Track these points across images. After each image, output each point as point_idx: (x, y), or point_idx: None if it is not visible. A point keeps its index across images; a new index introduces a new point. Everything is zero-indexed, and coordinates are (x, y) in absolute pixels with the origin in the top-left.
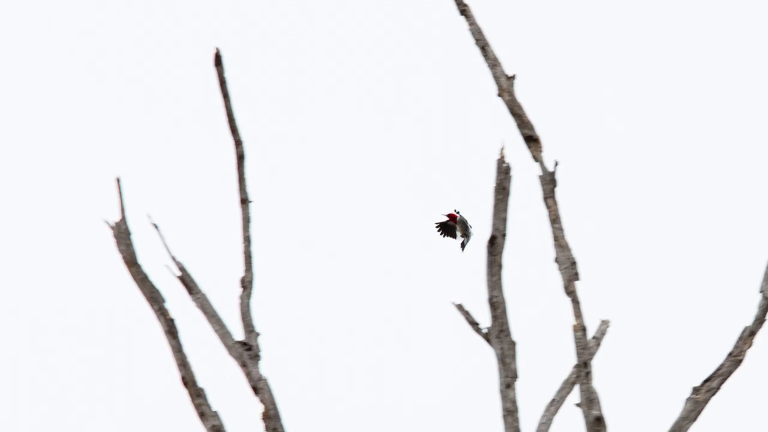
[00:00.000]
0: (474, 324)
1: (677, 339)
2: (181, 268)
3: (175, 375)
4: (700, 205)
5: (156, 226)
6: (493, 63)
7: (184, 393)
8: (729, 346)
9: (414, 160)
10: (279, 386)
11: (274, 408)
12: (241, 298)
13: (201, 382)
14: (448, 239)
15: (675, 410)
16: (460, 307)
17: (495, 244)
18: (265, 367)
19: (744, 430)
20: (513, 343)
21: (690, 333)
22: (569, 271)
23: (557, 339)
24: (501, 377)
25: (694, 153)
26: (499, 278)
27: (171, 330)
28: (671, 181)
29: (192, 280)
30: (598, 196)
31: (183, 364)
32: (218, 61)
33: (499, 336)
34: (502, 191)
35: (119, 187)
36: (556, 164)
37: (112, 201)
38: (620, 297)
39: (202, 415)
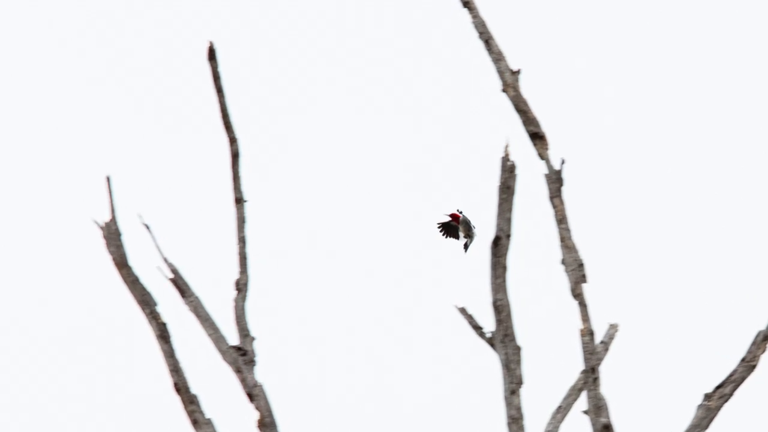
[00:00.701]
0: (477, 328)
1: (688, 344)
2: (174, 270)
3: (168, 381)
4: (712, 205)
5: (147, 227)
6: (497, 57)
7: (176, 399)
8: (742, 351)
9: (415, 158)
10: (275, 393)
11: (270, 415)
12: (236, 301)
13: (194, 389)
14: (451, 240)
15: (686, 418)
16: (462, 311)
17: (499, 245)
18: (260, 373)
19: None
20: (518, 348)
21: (702, 337)
22: (576, 273)
23: (564, 344)
24: (505, 383)
25: (707, 153)
26: (504, 280)
27: (163, 334)
28: (682, 181)
29: (185, 283)
30: (606, 196)
31: (175, 369)
32: (212, 55)
33: (504, 340)
34: (506, 190)
35: (109, 187)
36: (563, 162)
37: (101, 200)
38: (629, 300)
39: (195, 423)
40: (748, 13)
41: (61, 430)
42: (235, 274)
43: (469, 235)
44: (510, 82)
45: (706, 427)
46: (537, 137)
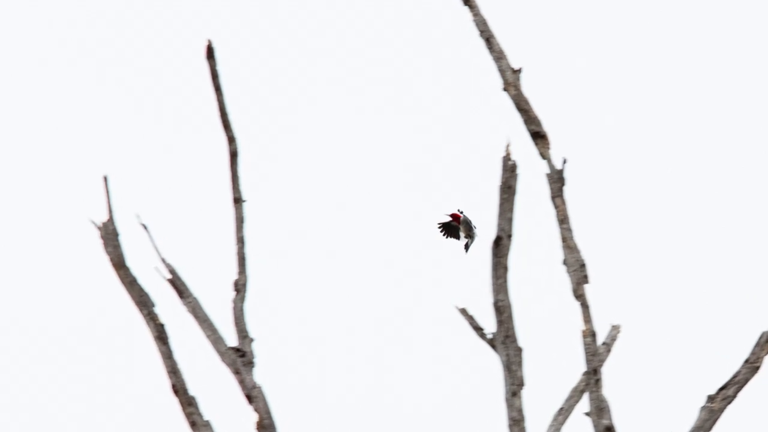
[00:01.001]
0: (478, 329)
1: (691, 345)
2: (172, 271)
3: (166, 383)
4: (715, 205)
5: (145, 227)
6: (498, 56)
7: (174, 401)
8: (745, 353)
9: (415, 157)
10: (274, 394)
11: (269, 417)
12: (235, 302)
13: (192, 390)
14: (452, 240)
15: (689, 419)
16: (463, 312)
17: (500, 246)
18: (259, 375)
19: None
20: (519, 350)
21: (705, 339)
22: (578, 273)
23: (565, 345)
24: (507, 385)
25: (709, 153)
26: (505, 281)
27: (161, 335)
28: (686, 181)
29: (183, 284)
30: (609, 195)
31: (173, 371)
32: (210, 53)
33: (505, 342)
34: (507, 190)
35: (106, 186)
36: (565, 162)
37: (99, 200)
38: (631, 301)
39: (194, 425)
40: (748, 13)
41: (60, 430)
42: (234, 275)
43: (470, 235)
44: (511, 80)
45: (709, 429)
46: (538, 136)
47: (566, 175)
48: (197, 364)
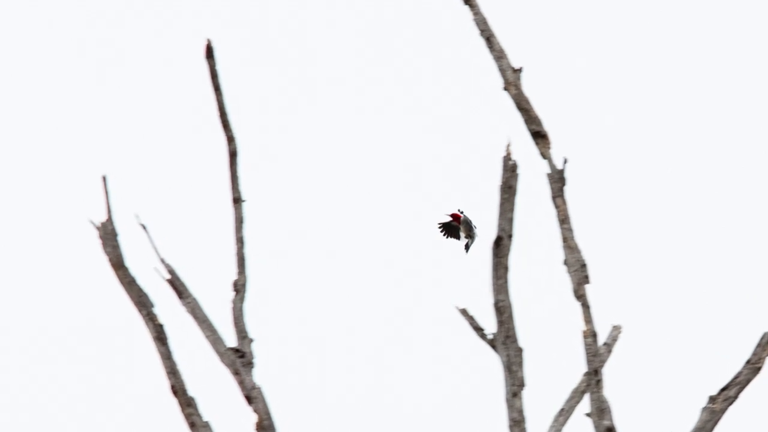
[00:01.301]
0: (479, 329)
1: (692, 345)
2: (171, 271)
3: (165, 383)
4: (716, 205)
5: (144, 227)
6: (498, 55)
7: (173, 402)
8: (747, 353)
9: (415, 157)
10: (274, 395)
11: (269, 418)
12: (234, 302)
13: (192, 391)
14: (452, 240)
15: (690, 420)
16: (464, 312)
17: (501, 246)
18: (258, 375)
19: None
20: (520, 350)
21: (706, 339)
22: (579, 273)
23: (566, 345)
24: (507, 385)
25: (710, 152)
26: (505, 281)
27: (160, 336)
28: (686, 181)
29: (182, 284)
30: (610, 195)
31: (172, 371)
32: (210, 53)
33: (505, 342)
34: (508, 190)
35: (105, 186)
36: (565, 161)
37: (97, 200)
38: (632, 301)
39: (193, 426)
40: (748, 13)
41: (60, 430)
42: (233, 275)
43: (471, 235)
44: (512, 80)
45: (711, 429)
46: (539, 136)
47: (567, 174)
48: (196, 364)
